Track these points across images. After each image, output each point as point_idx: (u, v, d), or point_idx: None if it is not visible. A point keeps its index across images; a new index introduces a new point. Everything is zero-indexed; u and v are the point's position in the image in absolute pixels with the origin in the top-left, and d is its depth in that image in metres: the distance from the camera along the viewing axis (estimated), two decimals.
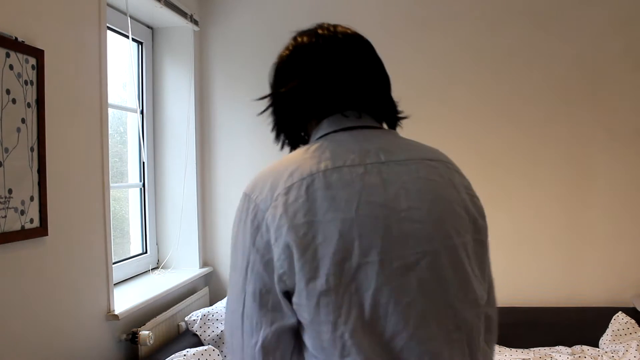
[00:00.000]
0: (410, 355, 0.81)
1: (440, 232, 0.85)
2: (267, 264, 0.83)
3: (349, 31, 0.97)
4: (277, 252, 0.82)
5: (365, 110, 0.94)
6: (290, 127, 0.99)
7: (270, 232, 0.83)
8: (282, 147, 1.02)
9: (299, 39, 0.97)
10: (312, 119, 0.96)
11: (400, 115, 0.99)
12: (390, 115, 0.98)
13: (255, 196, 0.87)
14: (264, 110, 1.03)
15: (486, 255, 0.94)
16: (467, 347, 0.85)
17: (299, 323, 0.84)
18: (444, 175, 0.91)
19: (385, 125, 1.00)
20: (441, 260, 0.84)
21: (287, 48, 0.98)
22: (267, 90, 1.04)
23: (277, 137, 1.02)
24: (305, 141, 1.00)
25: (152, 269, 3.03)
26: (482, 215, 0.94)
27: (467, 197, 0.92)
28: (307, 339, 0.83)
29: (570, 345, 2.79)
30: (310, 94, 0.94)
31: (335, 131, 0.92)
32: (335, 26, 0.98)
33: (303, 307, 0.81)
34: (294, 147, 1.01)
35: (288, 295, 0.83)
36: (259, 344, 0.84)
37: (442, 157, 0.96)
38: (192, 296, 2.94)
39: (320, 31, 0.96)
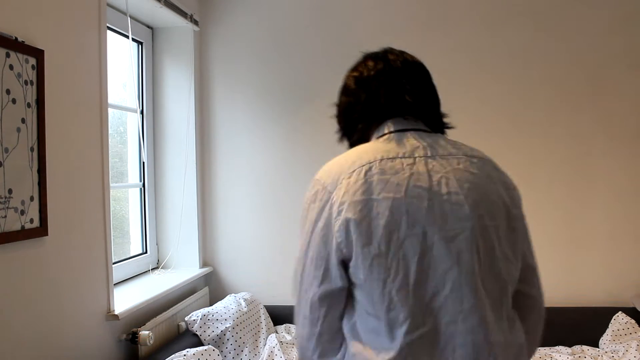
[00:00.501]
0: (446, 312, 0.97)
1: (474, 214, 1.01)
2: (325, 237, 1.03)
3: (414, 59, 1.20)
4: (337, 225, 1.01)
5: (420, 118, 1.14)
6: (357, 130, 1.18)
7: (333, 209, 1.02)
8: (350, 145, 1.22)
9: (370, 64, 1.18)
10: (375, 122, 1.15)
11: (447, 125, 1.19)
12: (439, 123, 1.18)
13: (324, 180, 1.07)
14: (343, 118, 1.22)
15: (519, 240, 1.09)
16: (497, 311, 1.01)
17: (351, 284, 1.03)
18: (481, 169, 1.08)
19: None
20: (475, 237, 1.00)
21: (364, 69, 1.18)
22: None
23: (342, 138, 1.24)
24: (363, 142, 1.18)
25: (152, 269, 3.03)
26: (517, 206, 1.10)
27: (502, 189, 1.08)
28: (361, 296, 1.01)
29: (570, 345, 2.79)
30: (380, 101, 1.14)
31: (394, 131, 1.12)
32: (402, 52, 1.21)
33: (359, 268, 0.99)
34: (354, 145, 1.19)
35: (344, 263, 1.01)
36: (310, 298, 1.06)
37: (482, 155, 1.13)
38: (192, 296, 2.94)
39: (390, 56, 1.18)
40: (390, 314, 0.98)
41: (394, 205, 0.99)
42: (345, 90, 1.21)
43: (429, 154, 1.06)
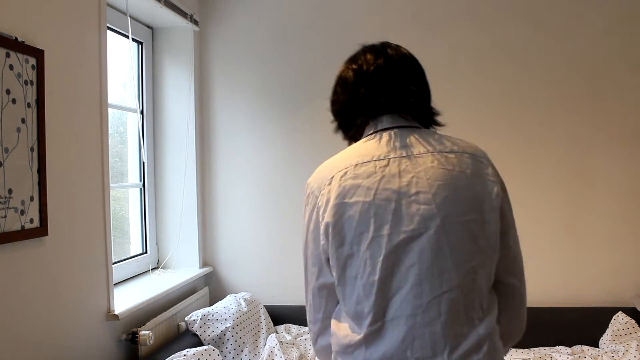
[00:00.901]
0: (407, 307, 1.04)
1: (442, 212, 1.06)
2: (315, 238, 1.14)
3: (410, 54, 1.23)
4: (322, 229, 1.11)
5: (413, 114, 1.18)
6: (354, 125, 1.22)
7: (319, 213, 1.12)
8: (349, 142, 1.27)
9: (370, 57, 1.21)
10: (372, 117, 1.19)
11: (437, 121, 1.23)
12: (430, 119, 1.22)
13: (312, 185, 1.17)
14: (340, 112, 1.25)
15: (494, 231, 1.10)
16: (458, 305, 1.04)
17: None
18: (458, 164, 1.10)
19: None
20: (440, 234, 1.05)
21: (364, 62, 1.20)
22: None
23: (338, 130, 1.28)
24: (358, 136, 1.23)
25: (152, 269, 3.03)
26: (494, 198, 1.10)
27: (479, 183, 1.10)
28: (338, 292, 1.12)
29: (570, 345, 2.79)
30: (380, 98, 1.17)
31: (379, 130, 1.17)
32: (399, 47, 1.23)
33: (334, 267, 1.10)
34: (351, 138, 1.25)
35: (329, 261, 1.11)
36: (312, 289, 1.19)
37: (464, 149, 1.14)
38: (192, 296, 2.94)
39: (389, 51, 1.21)
40: (357, 307, 1.07)
41: (363, 208, 1.07)
42: (343, 83, 1.23)
43: (404, 154, 1.11)
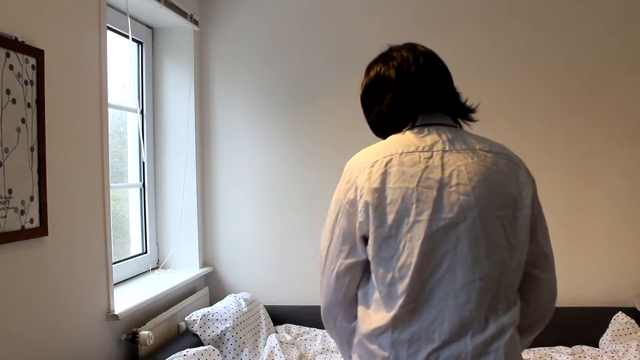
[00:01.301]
0: (439, 290, 1.10)
1: (479, 204, 1.12)
2: (350, 215, 1.17)
3: (437, 55, 1.30)
4: (359, 206, 1.15)
5: (449, 113, 1.26)
6: (394, 123, 1.26)
7: (357, 192, 1.16)
8: (384, 136, 1.30)
9: (408, 56, 1.25)
10: (413, 115, 1.24)
11: (471, 116, 1.30)
12: (463, 115, 1.29)
13: (352, 166, 1.21)
14: (383, 111, 1.27)
15: (524, 229, 1.16)
16: (487, 293, 1.10)
17: (367, 259, 1.17)
18: (495, 163, 1.18)
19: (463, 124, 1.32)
20: (476, 225, 1.11)
21: (404, 62, 1.25)
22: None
23: (376, 130, 1.32)
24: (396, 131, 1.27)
25: (152, 269, 3.03)
26: (525, 198, 1.18)
27: (513, 182, 1.18)
28: (373, 271, 1.15)
29: (570, 345, 2.79)
30: (419, 97, 1.23)
31: (422, 125, 1.22)
32: (426, 48, 1.29)
33: (371, 245, 1.13)
34: (386, 136, 1.28)
35: (364, 239, 1.16)
36: (336, 270, 1.21)
37: (501, 150, 1.22)
38: (192, 296, 2.94)
39: (422, 49, 1.28)
40: (390, 287, 1.12)
41: (406, 194, 1.12)
42: (383, 81, 1.25)
43: (447, 148, 1.17)
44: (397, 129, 1.25)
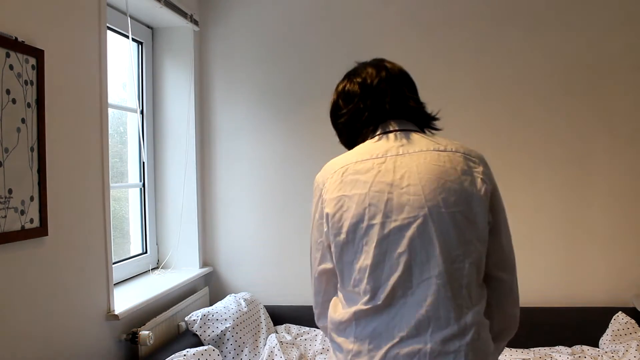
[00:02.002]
0: (397, 290, 1.13)
1: (430, 202, 1.14)
2: (319, 227, 1.25)
3: (403, 68, 1.36)
4: (324, 217, 1.22)
5: (412, 120, 1.31)
6: (358, 135, 1.33)
7: (323, 204, 1.23)
8: (348, 147, 1.38)
9: (371, 71, 1.32)
10: (377, 124, 1.30)
11: (434, 124, 1.34)
12: (426, 122, 1.34)
13: (318, 180, 1.29)
14: (346, 123, 1.36)
15: (481, 226, 1.18)
16: (445, 291, 1.11)
17: None
18: (450, 161, 1.19)
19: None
20: (428, 223, 1.14)
21: (367, 76, 1.32)
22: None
23: (344, 143, 1.41)
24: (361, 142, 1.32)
25: (152, 269, 3.03)
26: (483, 195, 1.19)
27: (469, 179, 1.18)
28: (338, 275, 1.22)
29: (570, 345, 2.79)
30: (385, 107, 1.30)
31: (381, 133, 1.27)
32: (393, 63, 1.35)
33: (333, 252, 1.21)
34: (350, 148, 1.35)
35: (330, 248, 1.22)
36: (315, 274, 1.31)
37: (455, 148, 1.23)
38: (192, 296, 2.94)
39: (388, 64, 1.33)
40: (354, 289, 1.17)
41: (359, 199, 1.17)
42: (347, 96, 1.33)
43: (400, 152, 1.22)
44: (362, 140, 1.31)
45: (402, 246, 1.13)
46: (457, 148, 1.23)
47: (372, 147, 1.24)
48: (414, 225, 1.13)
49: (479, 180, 1.19)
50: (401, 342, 1.11)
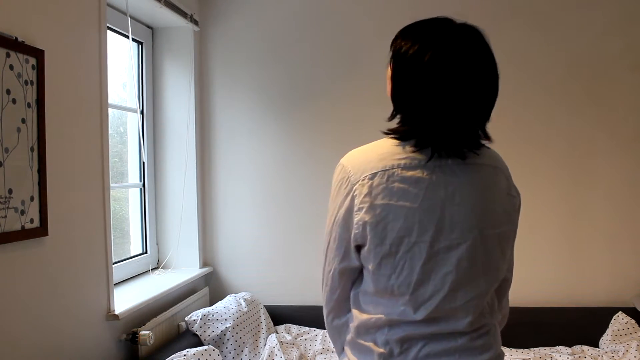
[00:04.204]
0: (441, 311, 1.10)
1: (479, 225, 1.10)
2: (347, 223, 1.14)
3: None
4: (356, 218, 1.11)
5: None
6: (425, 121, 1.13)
7: (355, 202, 1.12)
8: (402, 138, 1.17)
9: (452, 45, 1.18)
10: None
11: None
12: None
13: (349, 169, 1.14)
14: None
15: (512, 241, 1.20)
16: (476, 309, 1.12)
17: (362, 266, 1.16)
18: (490, 178, 1.15)
19: None
20: (477, 245, 1.10)
21: (449, 51, 1.15)
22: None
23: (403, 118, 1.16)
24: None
25: (152, 269, 3.03)
26: (516, 212, 1.20)
27: (506, 197, 1.17)
28: (370, 280, 1.14)
29: (570, 345, 2.79)
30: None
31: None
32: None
33: (370, 261, 1.12)
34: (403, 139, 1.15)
35: (358, 247, 1.14)
36: (331, 272, 1.22)
37: (494, 162, 1.19)
38: (192, 296, 2.94)
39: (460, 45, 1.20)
40: (391, 299, 1.12)
41: (409, 213, 1.08)
42: (433, 64, 1.09)
43: (453, 162, 1.11)
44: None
45: (450, 266, 1.09)
46: (493, 162, 1.19)
47: (416, 151, 1.11)
48: (464, 247, 1.09)
49: (513, 198, 1.19)
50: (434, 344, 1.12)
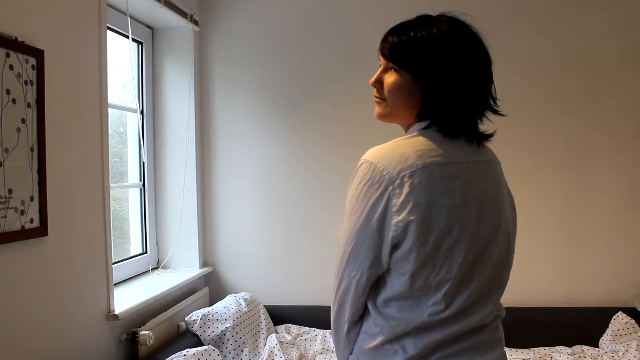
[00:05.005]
0: (468, 305, 1.11)
1: (502, 219, 1.16)
2: (380, 225, 1.08)
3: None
4: (396, 219, 1.06)
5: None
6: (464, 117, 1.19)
7: (393, 202, 1.06)
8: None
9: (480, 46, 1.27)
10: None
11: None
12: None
13: (382, 167, 1.08)
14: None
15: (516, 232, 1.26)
16: (496, 301, 1.17)
17: (387, 271, 1.12)
18: (499, 174, 1.21)
19: None
20: (502, 239, 1.16)
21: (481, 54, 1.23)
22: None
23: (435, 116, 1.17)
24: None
25: (152, 269, 3.03)
26: (515, 210, 1.26)
27: (509, 193, 1.23)
28: (403, 282, 1.10)
29: (570, 345, 2.79)
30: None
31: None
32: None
33: (409, 261, 1.08)
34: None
35: (394, 248, 1.09)
36: (358, 278, 1.13)
37: (496, 157, 1.24)
38: (192, 296, 2.94)
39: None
40: (423, 298, 1.10)
41: (450, 210, 1.07)
42: (472, 59, 1.20)
43: (475, 159, 1.15)
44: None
45: (483, 262, 1.12)
46: (495, 158, 1.25)
47: (448, 146, 1.12)
48: (494, 241, 1.13)
49: (510, 193, 1.25)
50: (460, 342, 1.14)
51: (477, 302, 1.12)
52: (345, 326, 1.19)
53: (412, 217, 1.05)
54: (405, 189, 1.06)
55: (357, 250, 1.11)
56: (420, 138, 1.13)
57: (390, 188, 1.06)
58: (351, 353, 1.21)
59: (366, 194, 1.09)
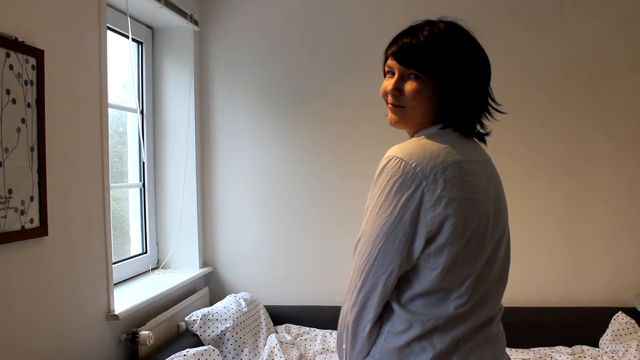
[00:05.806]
0: (486, 297, 1.16)
1: (506, 215, 1.23)
2: (414, 220, 1.08)
3: None
4: (431, 214, 1.07)
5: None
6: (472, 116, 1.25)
7: (426, 198, 1.08)
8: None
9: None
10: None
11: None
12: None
13: (414, 164, 1.09)
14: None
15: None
16: (503, 291, 1.24)
17: (413, 268, 1.13)
18: (497, 172, 1.25)
19: None
20: (506, 234, 1.23)
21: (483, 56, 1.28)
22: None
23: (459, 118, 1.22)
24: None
25: (152, 269, 3.03)
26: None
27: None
28: (432, 278, 1.11)
29: (570, 345, 2.79)
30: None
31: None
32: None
33: (443, 256, 1.10)
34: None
35: (427, 244, 1.10)
36: (386, 274, 1.11)
37: (489, 157, 1.27)
38: (192, 296, 2.94)
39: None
40: (449, 292, 1.12)
41: (477, 206, 1.12)
42: (480, 62, 1.27)
43: (484, 158, 1.22)
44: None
45: (500, 257, 1.19)
46: (489, 157, 1.28)
47: (465, 146, 1.17)
48: (506, 236, 1.22)
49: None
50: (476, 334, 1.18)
51: (489, 295, 1.17)
52: (369, 326, 1.15)
53: (448, 212, 1.07)
54: (440, 185, 1.07)
55: (388, 248, 1.10)
56: (442, 138, 1.16)
57: (424, 183, 1.07)
58: (367, 355, 1.18)
59: (398, 190, 1.08)
